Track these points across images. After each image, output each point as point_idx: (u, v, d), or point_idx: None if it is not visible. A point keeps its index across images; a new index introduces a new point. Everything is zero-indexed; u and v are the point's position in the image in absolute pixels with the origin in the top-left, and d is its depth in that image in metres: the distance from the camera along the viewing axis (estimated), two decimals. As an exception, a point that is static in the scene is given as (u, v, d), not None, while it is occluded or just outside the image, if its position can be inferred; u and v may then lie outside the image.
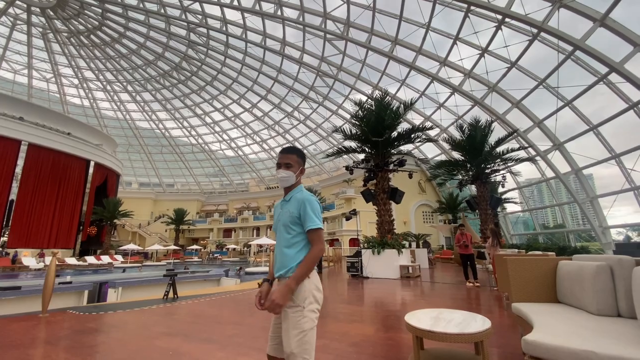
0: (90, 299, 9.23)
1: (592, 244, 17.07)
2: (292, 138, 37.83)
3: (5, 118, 21.92)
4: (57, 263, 5.43)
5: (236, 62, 29.10)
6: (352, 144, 13.48)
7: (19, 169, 23.08)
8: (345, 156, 19.62)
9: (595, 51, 11.88)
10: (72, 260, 21.51)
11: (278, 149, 41.05)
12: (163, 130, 44.60)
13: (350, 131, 12.87)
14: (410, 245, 17.39)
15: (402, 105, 13.13)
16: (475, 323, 2.55)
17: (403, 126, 13.84)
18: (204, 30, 26.09)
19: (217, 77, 32.70)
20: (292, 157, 1.81)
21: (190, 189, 51.56)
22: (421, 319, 2.69)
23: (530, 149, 17.13)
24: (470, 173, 15.56)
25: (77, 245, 27.07)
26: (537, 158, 17.04)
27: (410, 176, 14.14)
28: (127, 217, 31.12)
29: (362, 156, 13.64)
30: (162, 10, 24.78)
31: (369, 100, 14.01)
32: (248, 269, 19.07)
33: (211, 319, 5.06)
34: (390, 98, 13.86)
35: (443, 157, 23.38)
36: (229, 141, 42.81)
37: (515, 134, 16.63)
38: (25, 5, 27.35)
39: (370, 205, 13.67)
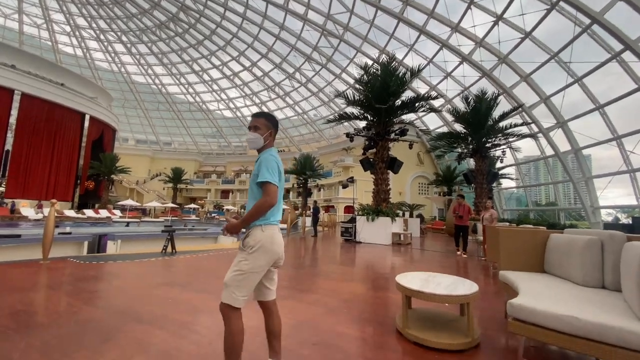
0: (90, 250, 9.48)
1: (581, 222, 17.48)
2: (293, 101, 36.93)
3: (-5, 64, 21.00)
4: (55, 214, 5.48)
5: (236, 15, 27.45)
6: (355, 110, 13.16)
7: (12, 119, 22.52)
8: (346, 123, 19.26)
9: (613, 26, 11.31)
10: (70, 213, 21.79)
11: (277, 112, 40.23)
12: (160, 86, 43.18)
13: (354, 97, 12.51)
14: (404, 215, 17.74)
15: (408, 72, 12.66)
16: (463, 286, 2.65)
17: (407, 94, 13.44)
18: (203, -23, 24.30)
19: (216, 31, 31.03)
20: (260, 121, 1.92)
21: (187, 148, 51.12)
22: (411, 280, 2.79)
23: (533, 125, 16.91)
24: (471, 146, 15.45)
25: (75, 198, 27.29)
26: (539, 135, 16.88)
27: (411, 146, 14.03)
28: (125, 173, 31.09)
29: (363, 124, 13.40)
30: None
31: (375, 64, 13.45)
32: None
33: (209, 272, 5.25)
34: (397, 63, 13.30)
35: (445, 129, 23.10)
36: (227, 101, 41.72)
37: (520, 109, 16.29)
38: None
39: (368, 174, 13.68)
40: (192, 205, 39.42)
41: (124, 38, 37.00)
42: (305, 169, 25.06)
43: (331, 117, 14.44)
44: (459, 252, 8.44)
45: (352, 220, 11.63)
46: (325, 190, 34.89)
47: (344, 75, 28.50)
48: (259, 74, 35.21)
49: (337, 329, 2.77)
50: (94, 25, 35.95)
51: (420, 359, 2.23)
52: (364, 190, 25.75)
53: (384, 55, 19.69)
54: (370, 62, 13.91)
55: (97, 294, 3.65)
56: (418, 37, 20.17)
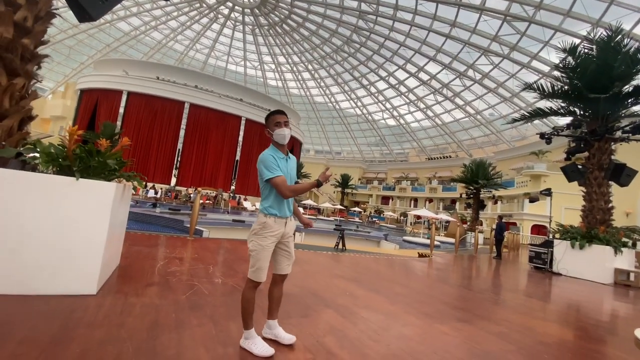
0: (283, 238, 11.90)
1: None
2: (463, 102, 33.61)
3: (231, 99, 30.12)
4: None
5: (404, 23, 27.77)
6: (552, 104, 10.48)
7: (240, 139, 31.55)
8: (536, 121, 15.64)
9: None
10: (270, 208, 28.27)
11: (444, 116, 37.70)
12: (334, 103, 49.35)
13: (553, 87, 9.98)
14: (634, 246, 12.52)
15: (647, 44, 8.94)
16: None
17: (644, 75, 9.49)
18: (374, -3, 26.07)
19: (384, 44, 32.46)
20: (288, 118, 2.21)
21: (354, 157, 55.79)
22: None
23: None
24: None
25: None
26: None
27: (652, 148, 9.77)
28: (306, 178, 37.40)
29: (565, 121, 10.49)
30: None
31: (584, 43, 10.26)
32: (405, 238, 19.31)
33: (377, 274, 5.48)
34: (622, 37, 9.67)
35: None
36: (391, 110, 42.72)
37: None
38: (240, 9, 35.90)
39: (570, 186, 10.58)
40: (356, 209, 42.62)
41: (309, 67, 44.72)
42: (478, 177, 22.07)
43: (516, 115, 12.10)
44: None
45: (548, 244, 9.26)
46: (505, 203, 29.45)
47: (534, 63, 23.42)
48: (425, 77, 34.13)
49: (539, 376, 2.23)
50: (289, 60, 45.40)
51: None
52: (562, 206, 20.20)
53: (601, 30, 14.77)
54: (577, 41, 10.74)
55: (295, 275, 4.49)
56: (668, -11, 13.99)
